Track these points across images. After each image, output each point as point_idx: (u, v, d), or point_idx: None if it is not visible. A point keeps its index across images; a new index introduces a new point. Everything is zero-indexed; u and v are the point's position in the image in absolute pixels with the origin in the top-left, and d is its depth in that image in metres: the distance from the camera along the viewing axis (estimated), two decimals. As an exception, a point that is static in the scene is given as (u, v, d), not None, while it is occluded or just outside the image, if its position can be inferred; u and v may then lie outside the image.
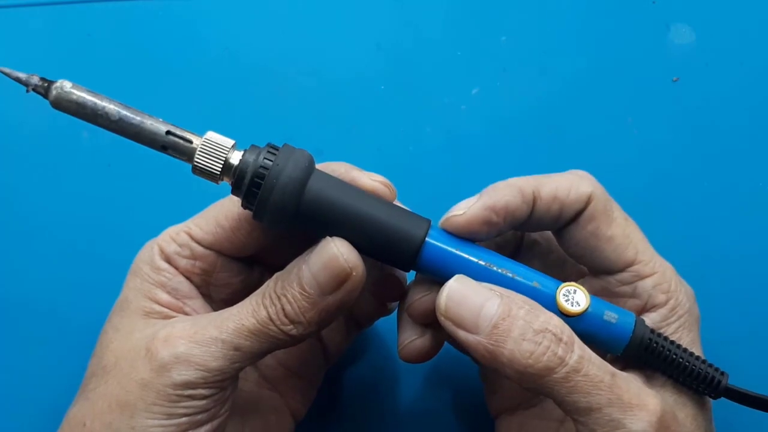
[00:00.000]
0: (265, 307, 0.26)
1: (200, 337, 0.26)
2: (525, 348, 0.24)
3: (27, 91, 0.24)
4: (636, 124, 0.39)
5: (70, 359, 0.34)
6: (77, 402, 0.27)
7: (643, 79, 0.40)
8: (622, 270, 0.28)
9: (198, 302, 0.29)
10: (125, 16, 0.41)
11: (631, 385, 0.25)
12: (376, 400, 0.36)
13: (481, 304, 0.25)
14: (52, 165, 0.38)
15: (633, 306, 0.28)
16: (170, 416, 0.25)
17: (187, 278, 0.29)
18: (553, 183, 0.28)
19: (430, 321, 0.28)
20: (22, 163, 0.39)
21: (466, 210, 0.27)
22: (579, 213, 0.28)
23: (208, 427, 0.26)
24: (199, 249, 0.29)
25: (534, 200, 0.28)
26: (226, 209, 0.29)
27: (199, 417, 0.26)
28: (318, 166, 0.27)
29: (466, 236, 0.27)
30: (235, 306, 0.27)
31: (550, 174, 0.29)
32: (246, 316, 0.26)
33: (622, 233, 0.28)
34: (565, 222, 0.29)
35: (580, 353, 0.24)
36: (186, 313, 0.28)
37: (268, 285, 0.27)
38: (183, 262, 0.29)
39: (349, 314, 0.33)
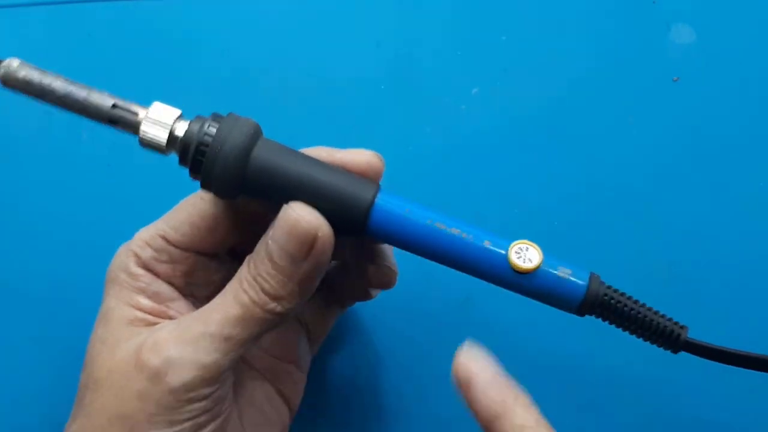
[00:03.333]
0: (245, 291, 0.26)
1: (188, 335, 0.25)
2: None
3: None
4: (636, 124, 0.39)
5: (71, 363, 0.34)
6: (76, 418, 0.27)
7: (643, 79, 0.40)
8: None
9: (181, 303, 0.29)
10: (125, 16, 0.41)
11: None
12: (371, 389, 0.36)
13: None
14: (52, 165, 0.38)
15: None
16: (173, 423, 0.25)
17: (168, 282, 0.28)
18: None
19: None
20: (22, 163, 0.39)
21: None
22: None
23: (212, 426, 0.26)
24: (176, 252, 0.28)
25: None
26: (199, 209, 0.28)
27: (202, 419, 0.25)
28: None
29: None
30: (216, 297, 0.26)
31: None
32: (229, 304, 0.26)
33: None
34: None
35: None
36: (171, 317, 0.28)
37: (242, 269, 0.26)
38: (162, 267, 0.28)
39: (331, 295, 0.33)
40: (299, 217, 0.25)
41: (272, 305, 0.26)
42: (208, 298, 0.29)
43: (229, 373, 0.26)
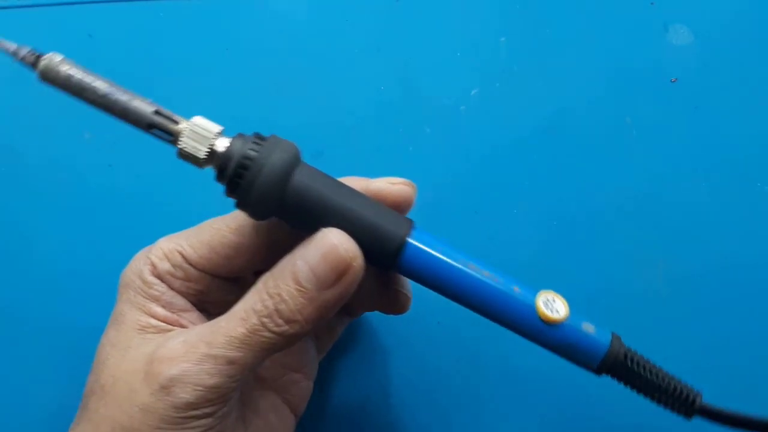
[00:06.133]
0: (256, 312, 0.25)
1: (192, 355, 0.25)
2: None
3: (15, 60, 0.24)
4: (634, 125, 0.39)
5: (76, 360, 0.34)
6: (80, 422, 0.27)
7: (641, 80, 0.40)
8: None
9: (194, 314, 0.28)
10: (126, 16, 0.41)
11: None
12: (374, 391, 0.36)
13: None
14: (53, 165, 0.38)
15: None
16: None
17: (182, 295, 0.28)
18: None
19: None
20: (23, 163, 0.39)
21: None
22: None
23: None
24: (193, 272, 0.28)
25: None
26: (221, 236, 0.28)
27: None
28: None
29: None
30: (224, 315, 0.26)
31: None
32: (235, 326, 0.25)
33: None
34: None
35: None
36: (183, 326, 0.28)
37: (257, 288, 0.26)
38: (177, 283, 0.28)
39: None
40: (339, 243, 0.25)
41: (284, 327, 0.25)
42: (220, 315, 0.29)
43: (236, 392, 0.26)
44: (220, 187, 0.26)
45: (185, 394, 0.24)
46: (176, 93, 0.40)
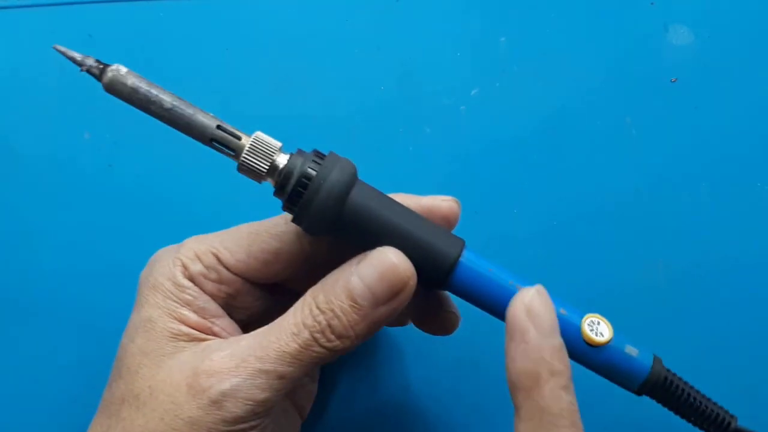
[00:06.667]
0: (307, 327, 0.25)
1: (243, 371, 0.25)
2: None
3: (81, 70, 0.24)
4: (634, 125, 0.39)
5: (76, 359, 0.34)
6: (109, 429, 0.26)
7: (641, 80, 0.40)
8: None
9: (225, 321, 0.28)
10: (126, 16, 0.41)
11: None
12: (375, 390, 0.36)
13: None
14: (53, 164, 0.39)
15: None
16: None
17: (213, 299, 0.28)
18: None
19: None
20: (23, 162, 0.39)
21: None
22: None
23: None
24: (226, 274, 0.28)
25: None
26: (262, 240, 0.27)
27: None
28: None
29: None
30: (271, 328, 0.26)
31: None
32: (286, 341, 0.25)
33: None
34: None
35: None
36: (215, 333, 0.27)
37: (306, 302, 0.26)
38: (209, 285, 0.27)
39: None
40: (399, 262, 0.25)
41: (335, 343, 0.25)
42: (242, 323, 0.29)
43: (277, 405, 0.26)
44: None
45: (236, 408, 0.24)
46: (176, 93, 0.40)
